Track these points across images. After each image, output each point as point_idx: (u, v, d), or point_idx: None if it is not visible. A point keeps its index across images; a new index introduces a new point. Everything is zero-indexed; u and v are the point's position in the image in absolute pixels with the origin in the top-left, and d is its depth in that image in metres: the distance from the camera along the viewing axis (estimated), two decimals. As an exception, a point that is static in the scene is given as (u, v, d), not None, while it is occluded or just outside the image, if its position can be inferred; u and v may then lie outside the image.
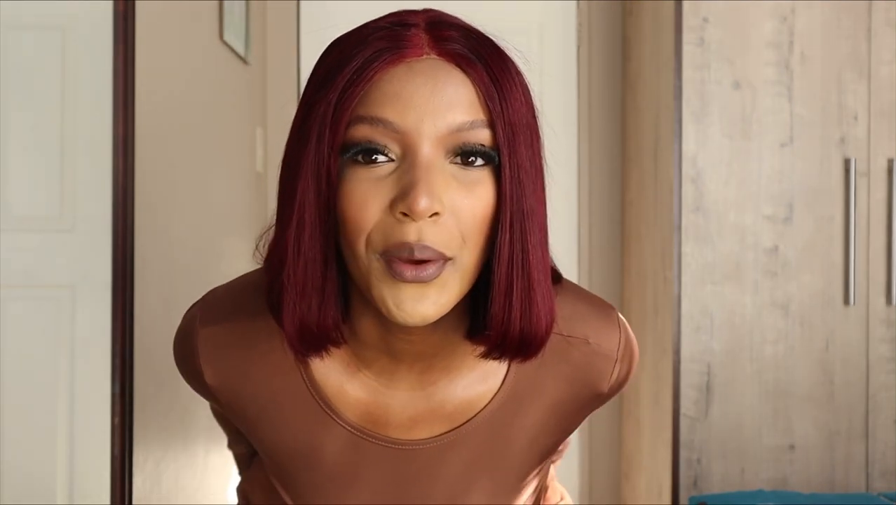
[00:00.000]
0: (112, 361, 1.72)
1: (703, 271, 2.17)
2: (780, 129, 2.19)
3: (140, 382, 1.79)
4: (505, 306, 0.74)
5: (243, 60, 2.61)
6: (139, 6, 1.75)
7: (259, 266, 0.86)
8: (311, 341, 0.75)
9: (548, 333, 0.77)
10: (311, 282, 0.73)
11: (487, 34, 0.76)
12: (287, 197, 0.74)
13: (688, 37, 2.17)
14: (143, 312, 1.82)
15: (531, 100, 0.76)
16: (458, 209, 0.71)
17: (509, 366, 0.84)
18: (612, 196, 2.86)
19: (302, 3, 2.95)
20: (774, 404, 2.19)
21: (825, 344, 2.20)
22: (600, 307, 0.88)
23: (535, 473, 0.91)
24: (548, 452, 0.90)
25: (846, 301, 2.19)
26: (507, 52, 0.76)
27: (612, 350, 0.86)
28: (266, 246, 0.83)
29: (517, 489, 0.89)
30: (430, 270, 0.69)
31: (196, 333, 0.85)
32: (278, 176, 0.77)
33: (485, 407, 0.84)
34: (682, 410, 2.17)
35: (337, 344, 0.76)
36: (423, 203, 0.67)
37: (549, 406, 0.86)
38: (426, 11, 0.75)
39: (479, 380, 0.84)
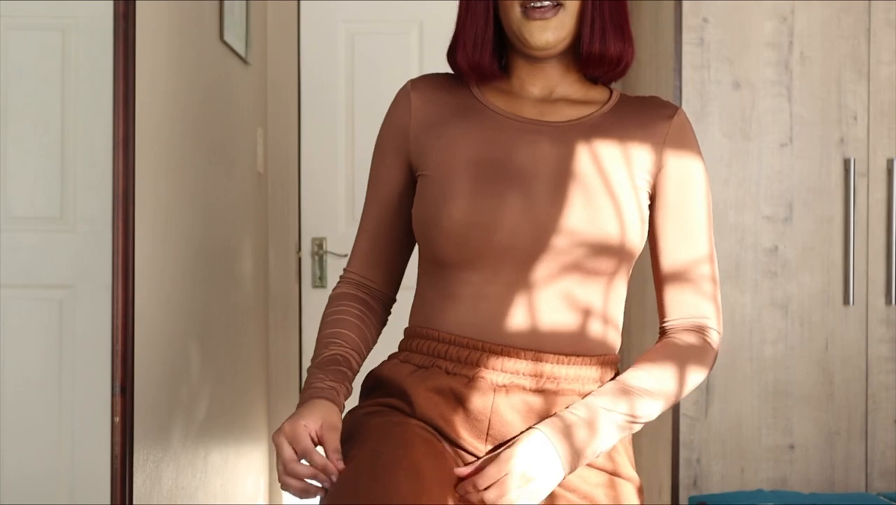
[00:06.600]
0: (112, 361, 1.72)
1: (702, 271, 2.17)
2: (779, 129, 2.19)
3: (140, 382, 1.79)
4: (589, 34, 1.23)
5: (243, 61, 2.61)
6: (139, 6, 1.75)
7: None
8: (477, 70, 1.27)
9: (621, 60, 1.26)
10: (478, 33, 1.26)
11: None
12: None
13: (688, 37, 2.17)
14: (143, 312, 1.82)
15: None
16: None
17: (603, 106, 1.29)
18: (612, 196, 2.85)
19: (302, 3, 2.95)
20: (774, 404, 2.19)
21: (825, 344, 2.20)
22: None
23: (622, 198, 1.25)
24: (624, 182, 1.24)
25: (846, 301, 2.19)
26: None
27: (670, 112, 1.28)
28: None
29: (610, 206, 1.25)
30: (549, 13, 1.20)
31: (410, 83, 1.33)
32: None
33: (588, 116, 1.27)
34: (682, 410, 2.17)
35: (494, 76, 1.28)
36: None
37: (625, 139, 1.25)
38: None
39: (583, 105, 1.28)
